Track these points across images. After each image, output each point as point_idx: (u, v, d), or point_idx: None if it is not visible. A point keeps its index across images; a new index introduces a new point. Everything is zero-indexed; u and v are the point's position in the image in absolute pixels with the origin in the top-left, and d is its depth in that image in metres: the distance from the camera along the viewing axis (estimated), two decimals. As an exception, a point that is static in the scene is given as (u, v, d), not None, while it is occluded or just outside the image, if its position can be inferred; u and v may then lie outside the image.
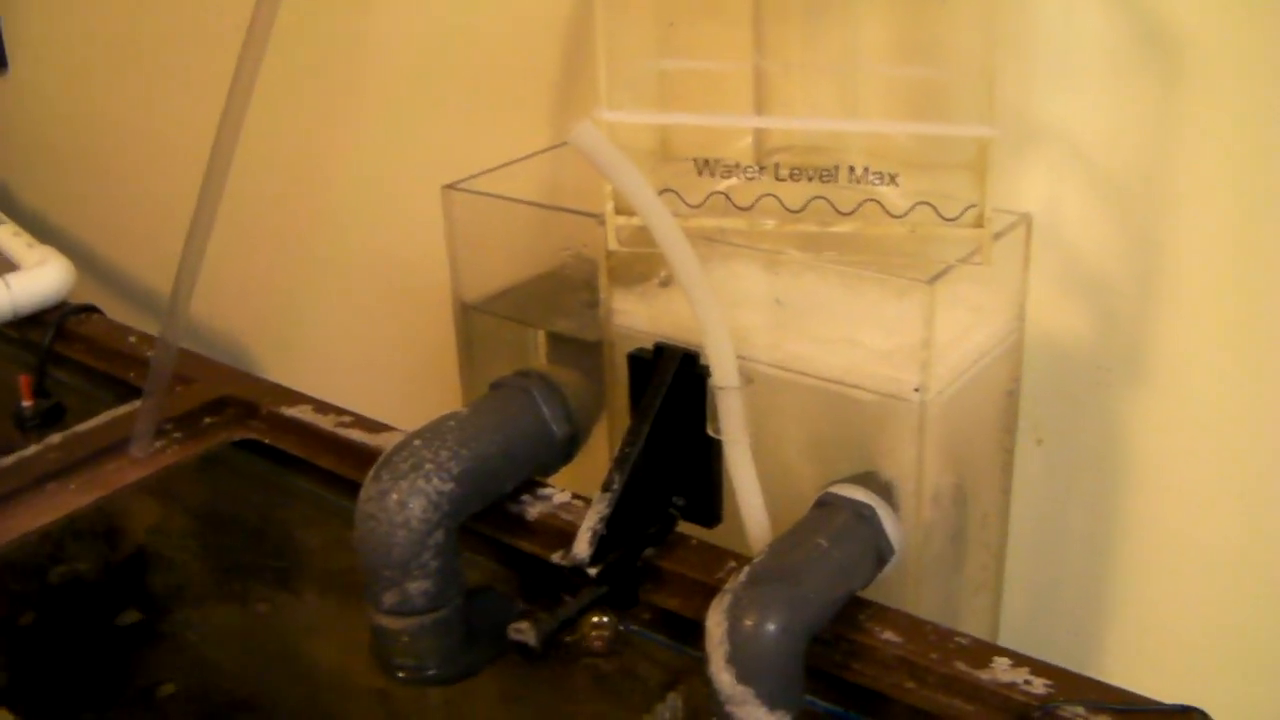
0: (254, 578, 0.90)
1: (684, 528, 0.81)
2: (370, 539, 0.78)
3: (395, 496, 0.77)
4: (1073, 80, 0.77)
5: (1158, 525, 0.83)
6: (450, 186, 0.85)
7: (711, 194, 0.71)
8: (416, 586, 0.78)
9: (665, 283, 0.80)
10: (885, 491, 0.73)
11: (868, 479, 0.74)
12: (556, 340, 0.85)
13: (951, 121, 0.69)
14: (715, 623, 0.67)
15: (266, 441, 0.96)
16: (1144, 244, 0.78)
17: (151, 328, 1.09)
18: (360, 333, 1.26)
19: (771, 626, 0.66)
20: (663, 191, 0.71)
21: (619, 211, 0.73)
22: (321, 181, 1.23)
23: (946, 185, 0.69)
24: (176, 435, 0.98)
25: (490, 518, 0.83)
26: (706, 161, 0.70)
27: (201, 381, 1.01)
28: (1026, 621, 0.89)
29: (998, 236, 0.74)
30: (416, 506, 0.77)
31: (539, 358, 0.86)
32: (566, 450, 0.85)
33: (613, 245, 0.73)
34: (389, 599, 0.78)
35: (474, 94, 1.05)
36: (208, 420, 0.99)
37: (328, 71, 1.17)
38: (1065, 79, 0.77)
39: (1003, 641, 0.87)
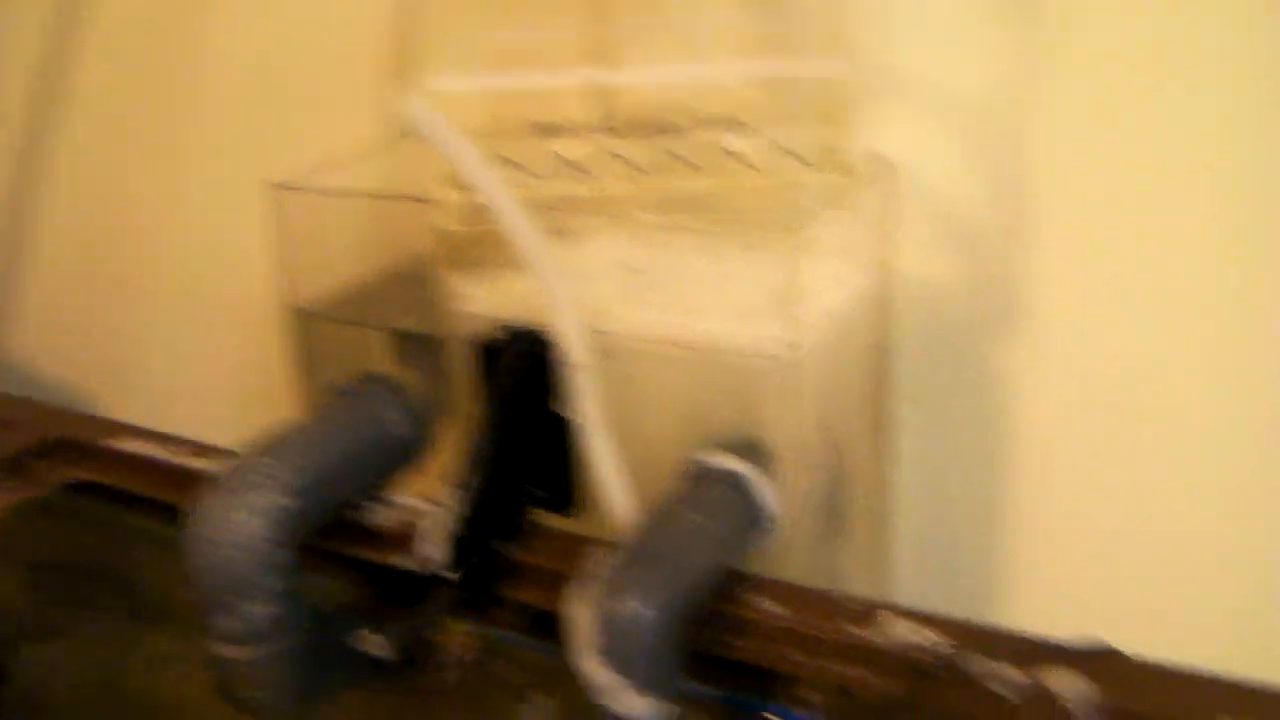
0: (96, 621, 0.84)
1: (544, 518, 0.76)
2: (206, 563, 0.72)
3: (233, 515, 0.71)
4: (932, 24, 0.74)
5: (1042, 479, 0.80)
6: (280, 185, 0.79)
7: (553, 157, 0.66)
8: (259, 610, 0.72)
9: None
10: (758, 457, 0.69)
11: (739, 445, 0.70)
12: (397, 339, 0.80)
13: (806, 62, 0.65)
14: (583, 611, 0.62)
15: (104, 481, 0.89)
16: (1012, 193, 0.75)
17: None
18: (201, 354, 1.20)
19: (646, 609, 0.61)
20: (499, 161, 0.66)
21: (453, 187, 0.68)
22: (140, 199, 1.16)
23: (800, 129, 0.66)
24: (8, 484, 0.90)
25: (337, 532, 0.77)
26: (539, 123, 0.66)
27: (24, 424, 0.94)
28: (921, 588, 0.86)
29: (861, 184, 0.71)
30: (254, 524, 0.71)
31: (383, 360, 0.81)
32: (413, 452, 0.80)
33: (449, 224, 0.68)
34: (229, 625, 0.72)
35: (300, 93, 0.99)
36: (37, 464, 0.92)
37: (146, 84, 1.11)
38: (925, 23, 0.74)
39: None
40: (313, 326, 0.83)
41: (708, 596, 0.65)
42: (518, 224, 0.64)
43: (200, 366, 1.19)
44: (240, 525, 0.71)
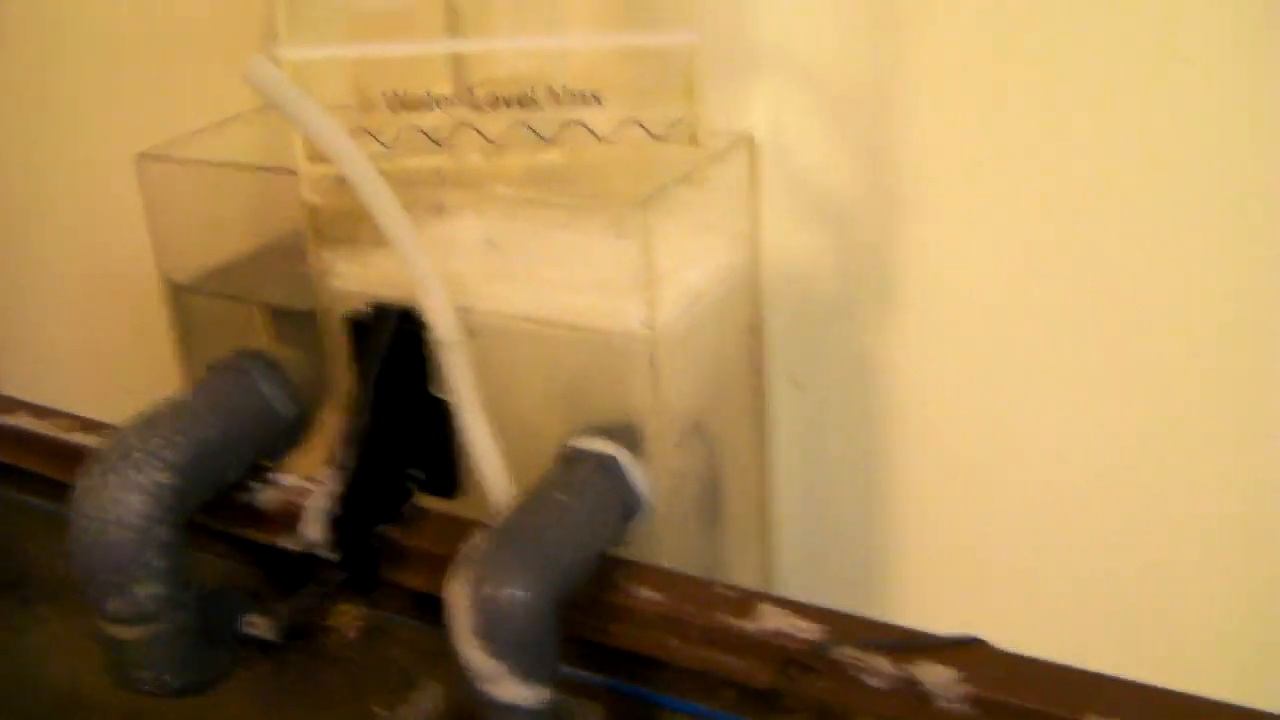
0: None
1: (429, 502, 0.75)
2: (85, 541, 0.71)
3: (108, 492, 0.71)
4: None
5: (920, 460, 0.80)
6: (146, 155, 0.77)
7: (405, 128, 0.65)
8: (145, 590, 0.71)
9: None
10: (630, 440, 0.69)
11: (611, 429, 0.69)
12: (276, 315, 0.79)
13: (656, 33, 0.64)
14: (458, 594, 0.62)
15: (-10, 457, 0.88)
16: (878, 167, 0.74)
17: None
18: (79, 327, 1.18)
19: (519, 593, 0.61)
20: (355, 132, 0.65)
21: (311, 158, 0.66)
22: (22, 167, 1.14)
23: (656, 104, 0.65)
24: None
25: (219, 510, 0.77)
26: (398, 95, 0.65)
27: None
28: (803, 572, 0.86)
29: (717, 158, 0.70)
30: (134, 502, 0.70)
31: (262, 337, 0.80)
32: (295, 431, 0.79)
33: (308, 197, 0.67)
34: (115, 606, 0.71)
35: (172, 56, 0.97)
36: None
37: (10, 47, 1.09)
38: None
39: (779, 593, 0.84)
40: (190, 301, 0.82)
41: (583, 581, 0.65)
42: (377, 197, 0.63)
43: (91, 341, 1.17)
44: (120, 503, 0.70)
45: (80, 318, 1.17)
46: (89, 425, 0.86)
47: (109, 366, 1.15)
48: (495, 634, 0.61)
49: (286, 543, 0.70)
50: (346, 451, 0.69)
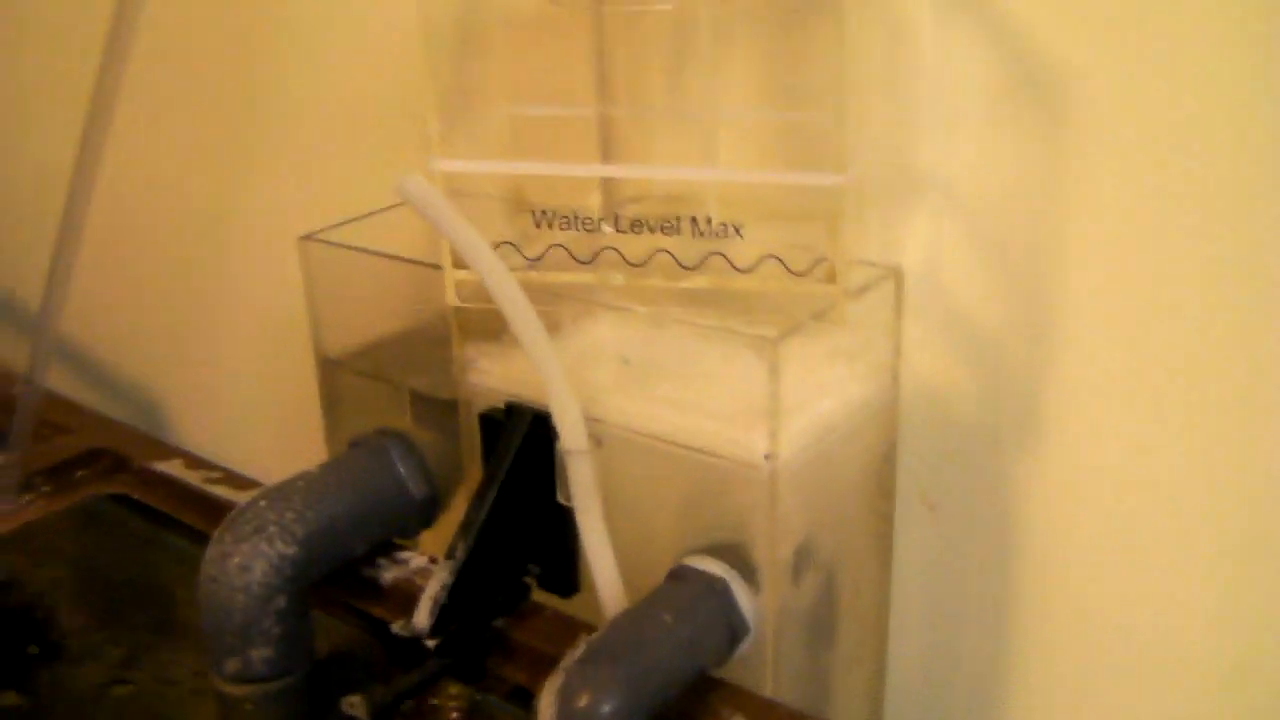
0: (123, 637, 0.86)
1: (542, 598, 0.76)
2: (211, 603, 0.74)
3: (236, 560, 0.74)
4: (952, 125, 0.73)
5: (1054, 598, 0.78)
6: (307, 237, 0.81)
7: (551, 247, 0.67)
8: (258, 653, 0.74)
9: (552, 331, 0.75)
10: (742, 564, 0.69)
11: (724, 550, 0.70)
12: (417, 399, 0.81)
13: (810, 169, 0.64)
14: (546, 704, 0.63)
15: (135, 497, 0.92)
16: (1029, 298, 0.74)
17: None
18: (253, 384, 1.22)
19: (606, 708, 0.62)
20: (499, 245, 0.67)
21: (456, 265, 0.69)
22: (218, 222, 1.19)
23: (799, 237, 0.65)
24: (45, 489, 0.94)
25: (344, 581, 0.79)
26: (544, 213, 0.66)
27: (77, 431, 0.98)
28: (919, 700, 0.85)
29: (861, 291, 0.70)
30: (258, 570, 0.74)
31: (404, 417, 0.82)
32: (426, 512, 0.81)
33: (451, 301, 0.70)
34: (231, 666, 0.74)
35: (361, 135, 1.01)
36: (79, 473, 0.95)
37: (226, 105, 1.14)
38: (944, 123, 0.73)
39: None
40: (338, 377, 0.84)
41: (674, 701, 0.66)
42: (514, 308, 0.65)
43: (262, 404, 1.22)
44: (241, 569, 0.73)
45: (257, 380, 1.21)
46: (234, 479, 0.90)
47: (276, 428, 1.19)
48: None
49: (394, 626, 0.71)
50: (461, 543, 0.71)
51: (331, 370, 0.84)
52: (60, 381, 1.33)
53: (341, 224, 0.82)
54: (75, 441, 0.96)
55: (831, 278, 0.64)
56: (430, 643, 0.71)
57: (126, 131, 0.86)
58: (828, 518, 0.72)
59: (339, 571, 0.79)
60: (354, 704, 0.69)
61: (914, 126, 0.74)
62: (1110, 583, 0.76)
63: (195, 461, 0.92)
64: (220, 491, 0.88)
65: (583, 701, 0.62)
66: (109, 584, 0.91)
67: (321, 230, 0.81)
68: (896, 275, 0.72)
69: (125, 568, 0.92)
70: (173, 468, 0.92)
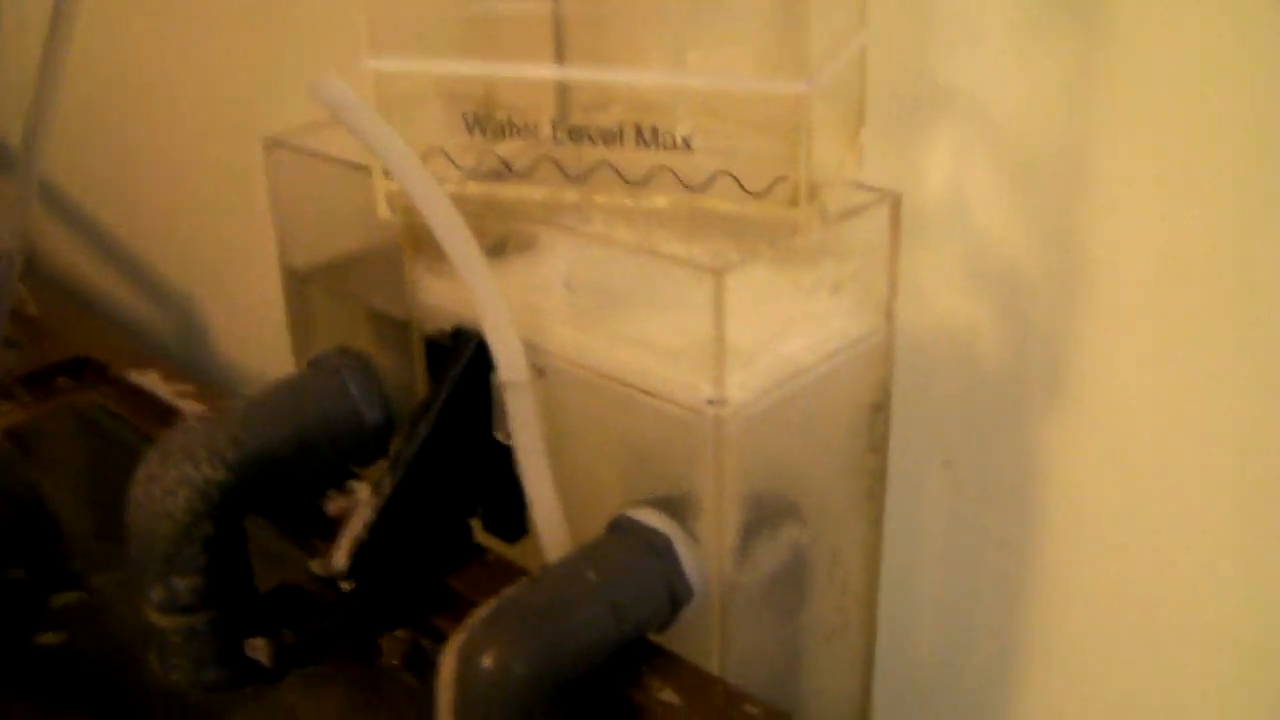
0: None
1: (487, 541, 0.70)
2: (136, 528, 0.69)
3: (161, 484, 0.68)
4: (978, 37, 0.64)
5: (1076, 567, 0.69)
6: (274, 141, 0.74)
7: (484, 155, 0.59)
8: (184, 582, 0.69)
9: (496, 251, 0.68)
10: (687, 515, 0.61)
11: (671, 503, 0.62)
12: (378, 318, 0.74)
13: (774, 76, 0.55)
14: (448, 663, 0.56)
15: (109, 406, 0.88)
16: (1062, 235, 0.64)
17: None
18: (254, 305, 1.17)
19: (515, 670, 0.55)
20: (430, 153, 0.59)
21: (387, 175, 0.61)
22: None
23: (759, 152, 0.57)
24: (25, 398, 0.90)
25: (288, 511, 0.73)
26: (477, 118, 0.59)
27: (65, 336, 0.94)
28: (922, 679, 0.76)
29: (846, 216, 0.61)
30: (182, 495, 0.68)
31: (363, 338, 0.76)
32: (383, 439, 0.74)
33: (382, 213, 0.62)
34: (157, 593, 0.69)
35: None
36: (60, 381, 0.91)
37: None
38: (969, 35, 0.64)
39: (881, 698, 0.75)
40: (306, 291, 0.78)
41: (598, 668, 0.59)
42: (445, 224, 0.57)
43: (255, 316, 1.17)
44: (166, 493, 0.68)
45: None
46: (205, 394, 0.85)
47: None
48: (479, 711, 0.55)
49: (312, 565, 0.65)
50: (388, 478, 0.64)
51: (297, 285, 0.77)
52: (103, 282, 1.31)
53: (306, 127, 0.75)
54: (62, 347, 0.92)
55: (794, 200, 0.56)
56: (346, 585, 0.64)
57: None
58: (796, 472, 0.64)
59: (285, 500, 0.73)
60: (257, 647, 0.63)
61: (930, 33, 0.65)
62: (1138, 557, 0.67)
63: (172, 373, 0.87)
64: (187, 406, 0.83)
65: (487, 662, 0.55)
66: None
67: (286, 134, 0.74)
68: (893, 200, 0.63)
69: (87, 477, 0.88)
70: (147, 379, 0.87)
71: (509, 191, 0.59)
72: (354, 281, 0.77)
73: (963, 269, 0.67)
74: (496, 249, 0.66)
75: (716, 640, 0.62)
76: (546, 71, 0.58)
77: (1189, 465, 0.64)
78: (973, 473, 0.71)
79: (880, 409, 0.67)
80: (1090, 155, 0.62)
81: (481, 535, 0.70)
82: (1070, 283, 0.64)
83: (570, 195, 0.60)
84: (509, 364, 0.61)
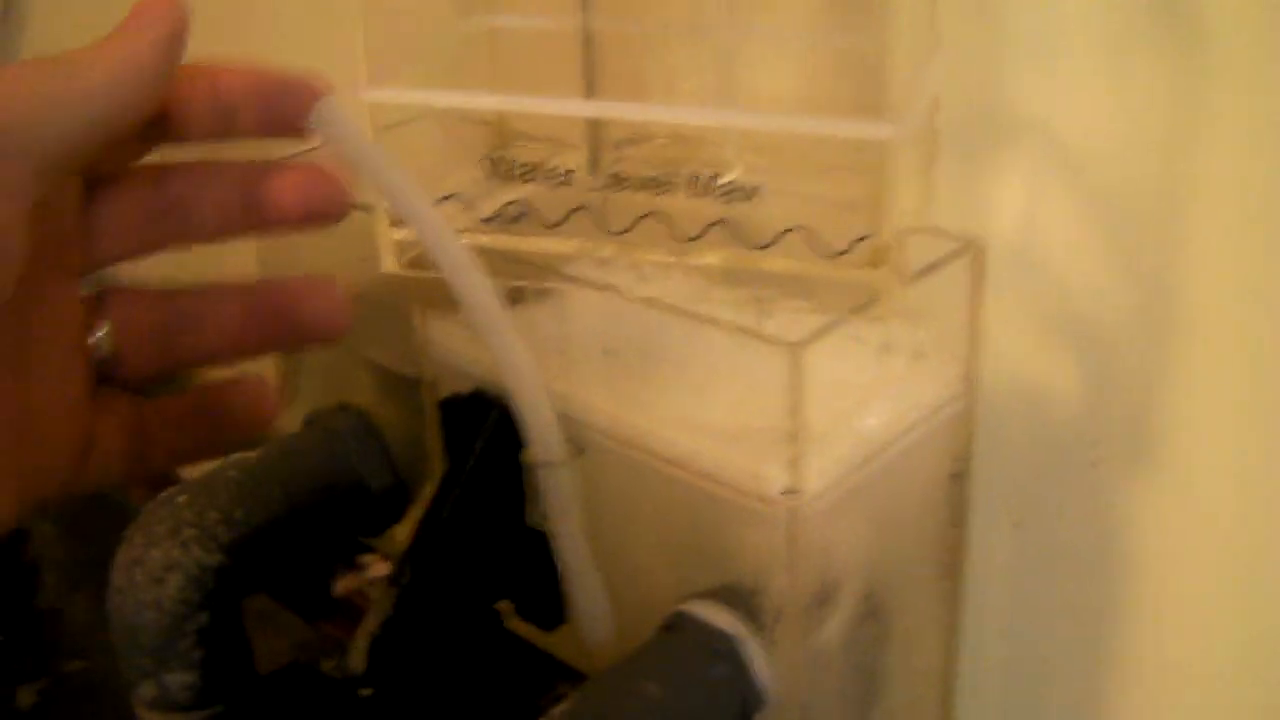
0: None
1: (519, 626, 0.62)
2: (118, 617, 0.61)
3: (145, 569, 0.60)
4: (1056, 57, 0.55)
5: (1155, 642, 0.62)
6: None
7: (508, 204, 0.51)
8: (178, 679, 0.62)
9: (513, 299, 0.59)
10: (757, 612, 0.53)
11: (734, 594, 0.54)
12: (379, 371, 0.66)
13: (852, 115, 0.47)
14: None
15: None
16: (1149, 281, 0.56)
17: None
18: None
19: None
20: (444, 200, 0.51)
21: (394, 222, 0.53)
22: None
23: (836, 204, 0.49)
24: None
25: (291, 589, 0.66)
26: (500, 160, 0.50)
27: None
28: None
29: (926, 272, 0.53)
30: (171, 582, 0.60)
31: (365, 393, 0.67)
32: (391, 506, 0.67)
33: (389, 266, 0.54)
34: (147, 691, 0.62)
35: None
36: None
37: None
38: (1046, 55, 0.56)
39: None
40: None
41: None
42: (467, 285, 0.49)
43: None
44: (153, 580, 0.60)
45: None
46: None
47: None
48: None
49: (326, 666, 0.57)
50: (407, 568, 0.56)
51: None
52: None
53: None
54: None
55: (878, 259, 0.48)
56: (364, 691, 0.56)
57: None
58: (873, 558, 0.56)
59: (287, 577, 0.65)
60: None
61: (1002, 52, 0.56)
62: (1226, 640, 0.60)
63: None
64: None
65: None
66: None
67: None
68: (976, 250, 0.55)
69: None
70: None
71: (532, 244, 0.51)
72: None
73: (1036, 317, 0.60)
74: (513, 297, 0.58)
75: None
76: (579, 107, 0.50)
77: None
78: (1040, 537, 0.64)
79: (959, 479, 0.59)
80: (1184, 192, 0.54)
81: (514, 622, 0.62)
82: (1158, 334, 0.57)
83: (607, 248, 0.52)
84: (544, 443, 0.53)
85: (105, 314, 0.40)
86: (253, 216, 0.41)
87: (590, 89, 0.51)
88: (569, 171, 0.49)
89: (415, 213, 0.48)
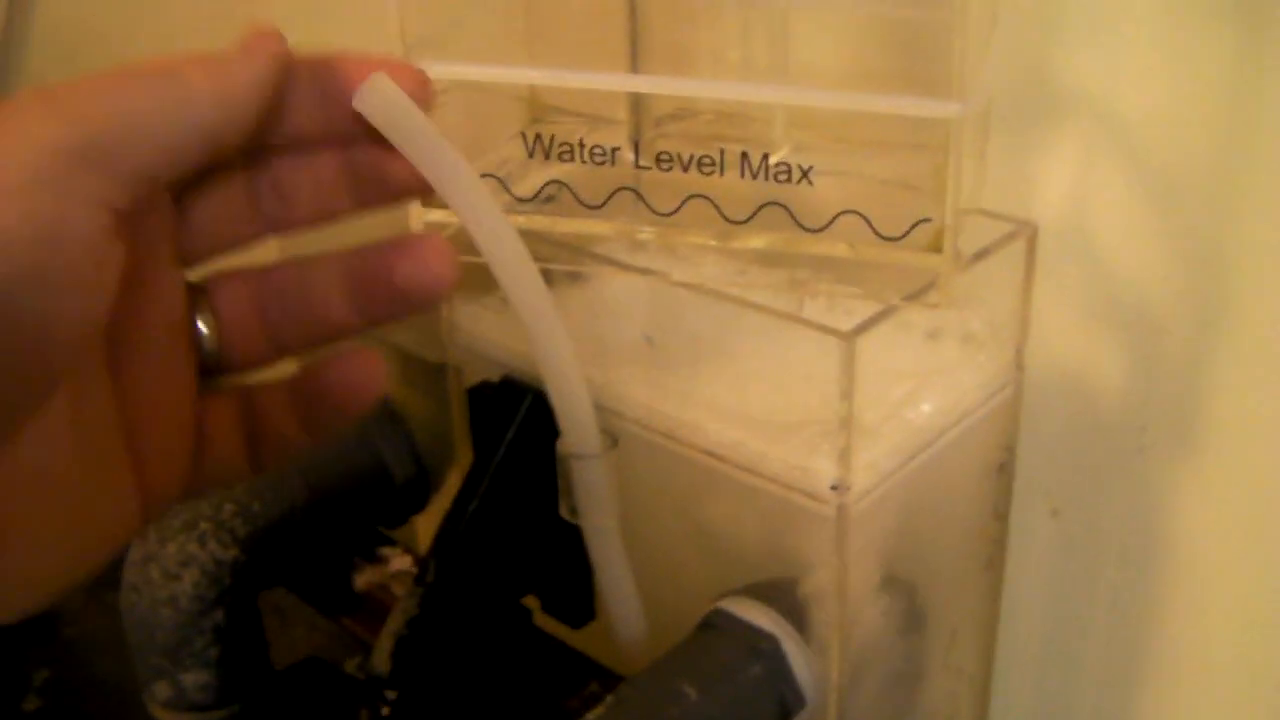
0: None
1: (546, 622, 0.60)
2: (132, 616, 0.59)
3: (160, 565, 0.58)
4: (1110, 30, 0.53)
5: (1199, 641, 0.60)
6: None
7: (548, 183, 0.48)
8: (193, 678, 0.59)
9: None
10: (797, 610, 0.51)
11: (774, 590, 0.52)
12: (403, 357, 0.64)
13: (916, 92, 0.45)
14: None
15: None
16: (1203, 265, 0.54)
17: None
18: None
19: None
20: (484, 176, 0.49)
21: (426, 203, 0.51)
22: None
23: (893, 186, 0.46)
24: None
25: (310, 582, 0.63)
26: (539, 137, 0.48)
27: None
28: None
29: (979, 257, 0.51)
30: (187, 579, 0.58)
31: (390, 381, 0.65)
32: (415, 496, 0.64)
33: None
34: (161, 691, 0.60)
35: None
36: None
37: None
38: (1100, 27, 0.53)
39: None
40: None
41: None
42: (514, 269, 0.46)
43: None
44: (168, 576, 0.58)
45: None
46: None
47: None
48: None
49: (349, 666, 0.55)
50: (433, 565, 0.54)
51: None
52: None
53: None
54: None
55: (937, 244, 0.45)
56: (390, 694, 0.54)
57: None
58: (917, 552, 0.54)
59: (306, 569, 0.63)
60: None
61: (1054, 25, 0.54)
62: (1277, 631, 0.58)
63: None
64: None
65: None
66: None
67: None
68: (1029, 233, 0.53)
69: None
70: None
71: (573, 225, 0.49)
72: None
73: (1085, 300, 0.57)
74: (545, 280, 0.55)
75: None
76: (627, 82, 0.47)
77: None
78: (1080, 529, 0.62)
79: (1005, 469, 0.57)
80: (1239, 172, 0.52)
81: (541, 618, 0.60)
82: (1208, 317, 0.55)
83: (650, 231, 0.49)
84: (579, 435, 0.51)
85: (206, 305, 0.38)
86: (359, 196, 0.39)
87: (634, 61, 0.49)
88: (615, 149, 0.47)
89: (466, 195, 0.45)
